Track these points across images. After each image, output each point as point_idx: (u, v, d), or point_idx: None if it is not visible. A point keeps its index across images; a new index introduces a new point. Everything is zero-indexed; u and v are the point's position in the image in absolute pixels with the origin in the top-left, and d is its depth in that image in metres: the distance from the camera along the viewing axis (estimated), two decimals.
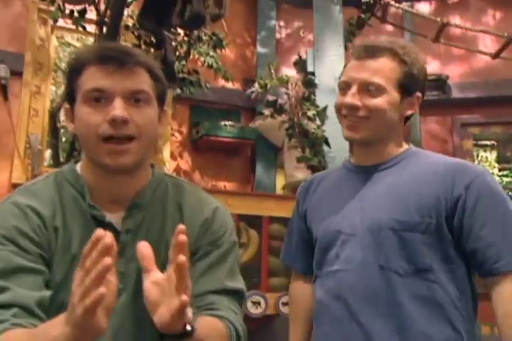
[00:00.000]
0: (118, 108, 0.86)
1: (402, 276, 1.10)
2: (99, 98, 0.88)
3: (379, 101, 1.14)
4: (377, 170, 1.21)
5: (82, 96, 0.89)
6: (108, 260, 0.64)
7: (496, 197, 1.12)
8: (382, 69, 1.15)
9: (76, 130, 0.92)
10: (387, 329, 1.08)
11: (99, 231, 0.67)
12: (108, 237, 0.66)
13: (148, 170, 1.00)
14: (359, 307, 1.11)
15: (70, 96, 0.93)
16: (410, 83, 1.17)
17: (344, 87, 1.18)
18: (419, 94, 1.20)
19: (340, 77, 1.22)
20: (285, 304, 2.46)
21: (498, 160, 5.94)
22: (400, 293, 1.09)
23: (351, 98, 1.15)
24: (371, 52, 1.16)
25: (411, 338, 1.07)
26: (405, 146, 1.25)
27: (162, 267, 0.81)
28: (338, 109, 1.19)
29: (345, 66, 1.24)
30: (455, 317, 1.09)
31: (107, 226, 0.90)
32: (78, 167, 0.98)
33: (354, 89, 1.15)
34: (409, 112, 1.21)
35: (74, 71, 0.91)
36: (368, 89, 1.14)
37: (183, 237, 0.72)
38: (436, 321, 1.08)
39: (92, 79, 0.88)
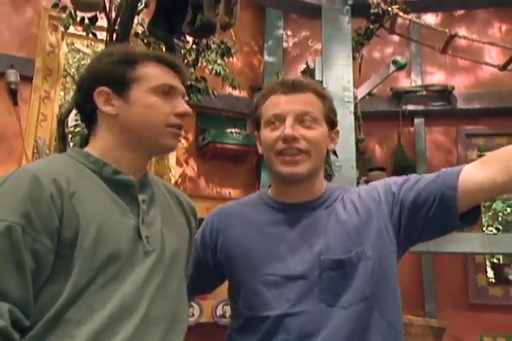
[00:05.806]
0: (182, 103, 1.06)
1: (346, 309, 1.06)
2: (168, 92, 1.04)
3: (316, 133, 1.12)
4: (309, 208, 1.17)
5: (153, 88, 1.02)
6: None
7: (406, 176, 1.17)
8: (313, 102, 1.15)
9: (132, 113, 1.02)
10: None
11: None
12: None
13: None
14: None
15: (115, 81, 1.02)
16: (333, 116, 1.19)
17: (274, 120, 1.13)
18: (337, 128, 1.21)
19: (264, 113, 1.17)
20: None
21: None
22: (345, 326, 1.05)
23: (291, 129, 1.10)
24: (298, 87, 1.15)
25: None
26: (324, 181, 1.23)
27: (175, 235, 1.06)
28: (271, 144, 1.12)
29: (258, 104, 1.19)
30: (394, 338, 1.10)
31: (133, 191, 1.02)
32: (87, 150, 1.04)
33: (290, 120, 1.10)
34: (331, 146, 1.20)
35: (128, 60, 1.03)
36: (303, 120, 1.12)
37: None
38: None
39: (160, 75, 1.04)
